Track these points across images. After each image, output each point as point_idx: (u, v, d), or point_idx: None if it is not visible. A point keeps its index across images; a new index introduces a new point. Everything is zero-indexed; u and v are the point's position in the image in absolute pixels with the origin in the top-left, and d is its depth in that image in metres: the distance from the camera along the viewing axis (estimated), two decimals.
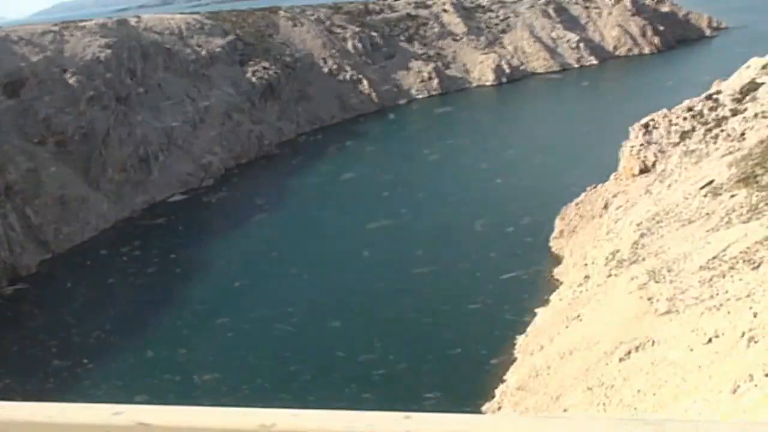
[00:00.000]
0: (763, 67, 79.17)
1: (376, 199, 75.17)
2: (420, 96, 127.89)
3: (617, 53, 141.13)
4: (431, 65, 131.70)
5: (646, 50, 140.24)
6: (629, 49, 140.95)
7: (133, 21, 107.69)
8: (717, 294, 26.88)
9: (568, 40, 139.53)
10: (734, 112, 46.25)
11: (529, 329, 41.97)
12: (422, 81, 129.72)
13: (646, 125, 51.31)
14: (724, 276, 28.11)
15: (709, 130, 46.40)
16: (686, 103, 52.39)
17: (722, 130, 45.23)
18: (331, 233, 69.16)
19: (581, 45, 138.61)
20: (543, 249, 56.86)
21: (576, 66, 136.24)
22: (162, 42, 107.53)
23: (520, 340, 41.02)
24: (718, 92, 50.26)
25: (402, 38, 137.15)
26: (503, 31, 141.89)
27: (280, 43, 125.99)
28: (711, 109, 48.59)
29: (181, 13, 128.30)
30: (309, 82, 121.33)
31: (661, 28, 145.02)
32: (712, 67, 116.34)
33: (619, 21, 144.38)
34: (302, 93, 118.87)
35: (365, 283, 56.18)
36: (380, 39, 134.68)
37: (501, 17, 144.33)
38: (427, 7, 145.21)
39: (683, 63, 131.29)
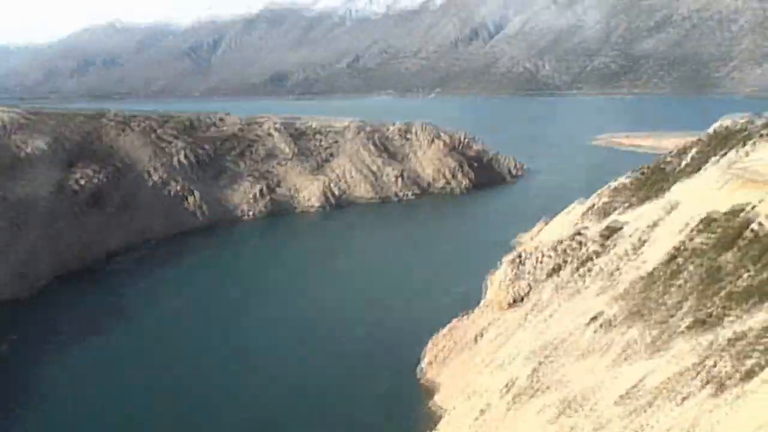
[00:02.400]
0: (586, 210, 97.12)
1: (211, 332, 75.68)
2: (248, 216, 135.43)
3: (434, 187, 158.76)
4: (260, 185, 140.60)
5: (461, 187, 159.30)
6: (444, 186, 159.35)
7: None
8: (643, 428, 32.68)
9: (390, 172, 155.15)
10: (601, 251, 59.02)
11: None
12: (250, 201, 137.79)
13: (516, 258, 62.87)
14: (645, 410, 34.16)
15: (580, 265, 58.64)
16: (555, 238, 65.00)
17: (592, 267, 57.54)
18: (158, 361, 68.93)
19: (401, 177, 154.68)
20: (412, 378, 61.97)
21: (397, 197, 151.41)
22: None
23: None
24: (583, 231, 63.33)
25: (231, 156, 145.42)
26: (329, 158, 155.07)
27: (106, 149, 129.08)
28: (577, 246, 61.30)
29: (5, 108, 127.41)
30: (135, 192, 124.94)
31: (474, 166, 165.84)
32: (523, 204, 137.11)
33: (436, 158, 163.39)
34: (128, 204, 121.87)
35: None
36: (209, 155, 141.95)
37: (327, 144, 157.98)
38: (256, 127, 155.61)
39: (498, 199, 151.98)
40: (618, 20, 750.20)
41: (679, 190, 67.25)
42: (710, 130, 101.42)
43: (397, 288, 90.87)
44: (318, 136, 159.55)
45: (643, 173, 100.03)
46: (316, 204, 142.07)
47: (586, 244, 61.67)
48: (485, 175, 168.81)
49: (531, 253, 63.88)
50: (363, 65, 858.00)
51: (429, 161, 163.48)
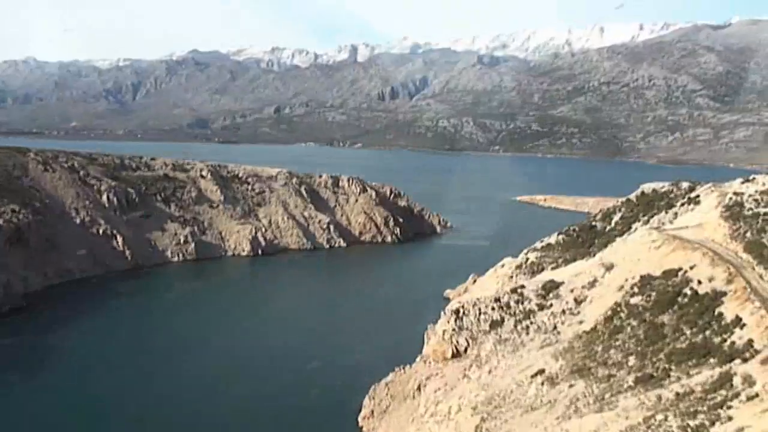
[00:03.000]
0: (518, 266, 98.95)
1: (124, 388, 71.46)
2: (175, 259, 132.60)
3: (363, 238, 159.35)
4: (188, 229, 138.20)
5: (389, 239, 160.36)
6: (374, 236, 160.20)
7: None
8: None
9: (319, 221, 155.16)
10: (541, 307, 60.22)
11: None
12: (178, 244, 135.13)
13: (456, 311, 63.42)
14: None
15: (519, 321, 59.63)
16: (492, 292, 66.02)
17: (533, 322, 58.59)
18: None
19: (331, 227, 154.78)
20: (352, 429, 62.20)
21: (326, 246, 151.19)
22: None
23: None
24: (522, 287, 64.53)
25: (158, 198, 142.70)
26: (258, 204, 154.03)
27: (29, 186, 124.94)
28: (517, 302, 62.35)
29: None
30: (60, 231, 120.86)
31: (401, 220, 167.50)
32: (451, 258, 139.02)
33: (365, 209, 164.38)
34: (52, 243, 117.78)
35: None
36: (136, 196, 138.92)
37: (257, 190, 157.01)
38: (185, 170, 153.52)
39: (426, 253, 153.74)
40: (535, 85, 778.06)
41: (612, 251, 69.77)
42: (633, 195, 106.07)
43: (332, 338, 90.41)
44: (247, 183, 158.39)
45: (571, 233, 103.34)
46: (246, 250, 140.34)
47: (526, 300, 62.95)
48: (413, 228, 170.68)
49: (471, 307, 64.66)
50: (286, 115, 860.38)
51: (358, 212, 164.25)
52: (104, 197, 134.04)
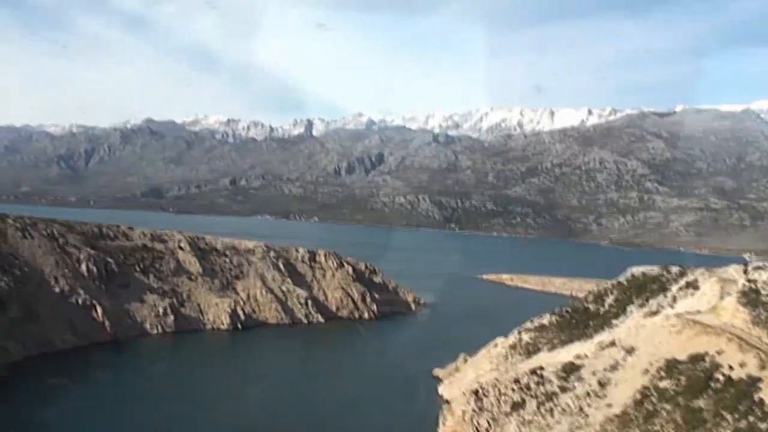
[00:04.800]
0: (512, 346, 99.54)
1: None
2: (154, 331, 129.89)
3: (340, 314, 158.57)
4: (167, 301, 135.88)
5: (366, 315, 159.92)
6: (351, 312, 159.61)
7: None
8: None
9: (297, 296, 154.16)
10: (563, 389, 60.58)
11: None
12: (157, 316, 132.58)
13: (476, 392, 63.46)
14: None
15: (542, 403, 59.87)
16: (512, 374, 66.24)
17: (556, 405, 58.86)
18: None
19: (309, 302, 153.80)
20: None
21: (305, 321, 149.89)
22: None
23: None
24: (541, 368, 64.93)
25: (137, 269, 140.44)
26: (237, 277, 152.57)
27: (8, 253, 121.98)
28: (537, 383, 62.70)
29: None
30: (39, 300, 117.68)
31: (377, 296, 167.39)
32: (431, 336, 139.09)
33: (342, 284, 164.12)
34: (31, 312, 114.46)
35: None
36: (115, 266, 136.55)
37: (235, 263, 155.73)
38: (163, 241, 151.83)
39: (405, 329, 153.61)
40: (490, 165, 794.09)
41: (630, 334, 70.92)
42: (623, 278, 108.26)
43: (327, 418, 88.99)
44: (225, 256, 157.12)
45: (564, 314, 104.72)
46: (225, 323, 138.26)
47: (547, 382, 63.41)
48: (389, 304, 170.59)
49: (491, 388, 64.83)
50: (243, 186, 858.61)
51: (335, 288, 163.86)
52: (83, 266, 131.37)
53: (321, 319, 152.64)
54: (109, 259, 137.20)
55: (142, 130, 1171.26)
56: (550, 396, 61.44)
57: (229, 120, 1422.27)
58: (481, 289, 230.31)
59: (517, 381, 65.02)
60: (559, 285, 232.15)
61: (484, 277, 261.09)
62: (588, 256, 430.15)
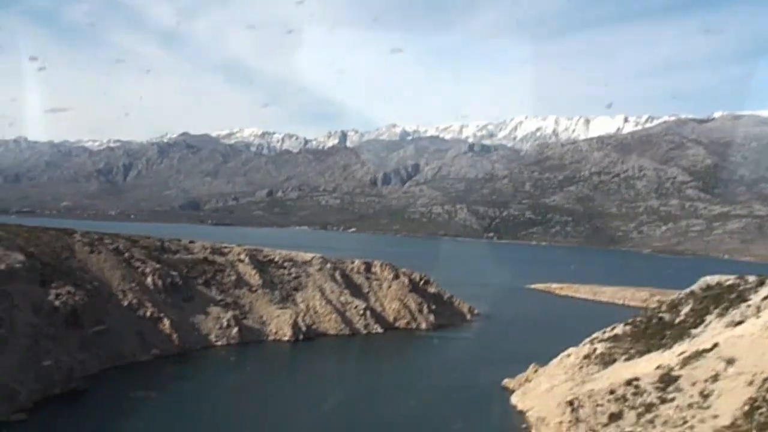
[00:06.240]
0: (586, 356, 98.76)
1: None
2: (219, 343, 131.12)
3: (397, 324, 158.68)
4: (230, 313, 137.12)
5: (423, 326, 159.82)
6: (408, 322, 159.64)
7: None
8: None
9: (355, 306, 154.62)
10: (662, 400, 60.03)
11: None
12: (221, 328, 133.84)
13: (570, 402, 63.14)
14: None
15: (641, 414, 59.37)
16: (607, 385, 65.83)
17: (657, 416, 58.33)
18: None
19: (368, 312, 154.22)
20: None
21: (363, 332, 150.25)
22: None
23: None
24: (637, 379, 64.46)
25: (200, 281, 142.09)
26: (296, 289, 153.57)
27: (78, 268, 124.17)
28: (634, 394, 62.20)
29: None
30: (110, 314, 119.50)
31: (433, 306, 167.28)
32: (492, 346, 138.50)
33: (399, 295, 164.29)
34: (103, 325, 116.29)
35: None
36: (179, 279, 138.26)
37: (293, 275, 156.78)
38: (223, 254, 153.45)
39: (464, 339, 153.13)
40: (527, 174, 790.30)
41: (728, 344, 69.94)
42: (696, 287, 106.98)
43: (406, 425, 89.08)
44: (283, 268, 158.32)
45: (638, 324, 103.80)
46: (288, 334, 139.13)
47: (644, 393, 62.91)
48: (445, 314, 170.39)
49: (587, 399, 64.43)
50: (280, 198, 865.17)
51: (392, 298, 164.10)
52: (149, 279, 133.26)
53: (379, 330, 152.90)
54: (173, 272, 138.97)
55: (179, 144, 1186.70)
56: (648, 407, 60.92)
57: (263, 133, 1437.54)
58: (531, 299, 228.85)
59: (612, 392, 64.56)
60: (610, 294, 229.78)
61: (532, 286, 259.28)
62: (632, 264, 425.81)
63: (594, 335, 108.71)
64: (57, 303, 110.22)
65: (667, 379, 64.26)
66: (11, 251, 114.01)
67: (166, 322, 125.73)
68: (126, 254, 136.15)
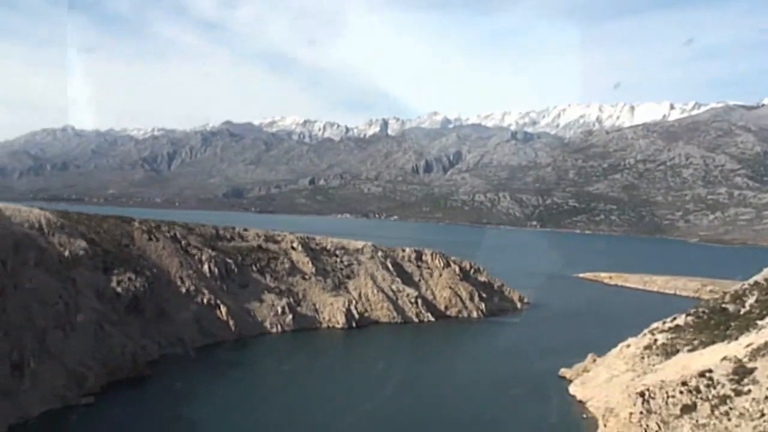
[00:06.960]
0: (646, 347, 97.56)
1: None
2: (274, 330, 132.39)
3: (448, 313, 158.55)
4: (284, 300, 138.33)
5: (474, 314, 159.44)
6: (459, 311, 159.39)
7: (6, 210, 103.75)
8: None
9: (407, 295, 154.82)
10: (737, 392, 59.04)
11: None
12: (276, 315, 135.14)
13: (642, 394, 62.47)
14: None
15: (716, 406, 58.45)
16: (678, 377, 65.02)
17: (732, 408, 57.41)
18: None
19: (419, 301, 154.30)
20: None
21: (416, 320, 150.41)
22: (31, 235, 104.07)
23: None
24: (710, 371, 63.53)
25: (254, 269, 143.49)
26: (348, 277, 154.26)
27: (138, 255, 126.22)
28: (708, 386, 61.31)
29: (40, 208, 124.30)
30: (168, 300, 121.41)
31: (484, 295, 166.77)
32: (546, 335, 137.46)
33: (449, 283, 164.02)
34: (163, 311, 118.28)
35: None
36: (234, 266, 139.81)
37: (345, 263, 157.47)
38: (276, 242, 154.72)
39: (517, 328, 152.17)
40: (570, 162, 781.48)
41: None
42: (761, 278, 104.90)
43: (468, 414, 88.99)
44: (336, 256, 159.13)
45: (701, 314, 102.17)
46: (341, 322, 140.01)
47: (718, 385, 61.93)
48: (495, 303, 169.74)
49: (658, 390, 63.63)
50: (322, 186, 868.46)
51: (443, 287, 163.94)
52: (205, 267, 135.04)
53: (431, 318, 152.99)
54: (228, 260, 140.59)
55: (222, 133, 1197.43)
56: (723, 399, 59.98)
57: (305, 121, 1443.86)
58: (581, 288, 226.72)
59: (684, 383, 63.65)
60: (661, 283, 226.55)
61: (581, 275, 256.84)
62: (679, 254, 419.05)
63: (653, 325, 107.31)
64: (119, 289, 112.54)
65: (741, 372, 63.10)
66: (74, 238, 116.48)
67: (223, 309, 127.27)
68: (183, 242, 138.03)
